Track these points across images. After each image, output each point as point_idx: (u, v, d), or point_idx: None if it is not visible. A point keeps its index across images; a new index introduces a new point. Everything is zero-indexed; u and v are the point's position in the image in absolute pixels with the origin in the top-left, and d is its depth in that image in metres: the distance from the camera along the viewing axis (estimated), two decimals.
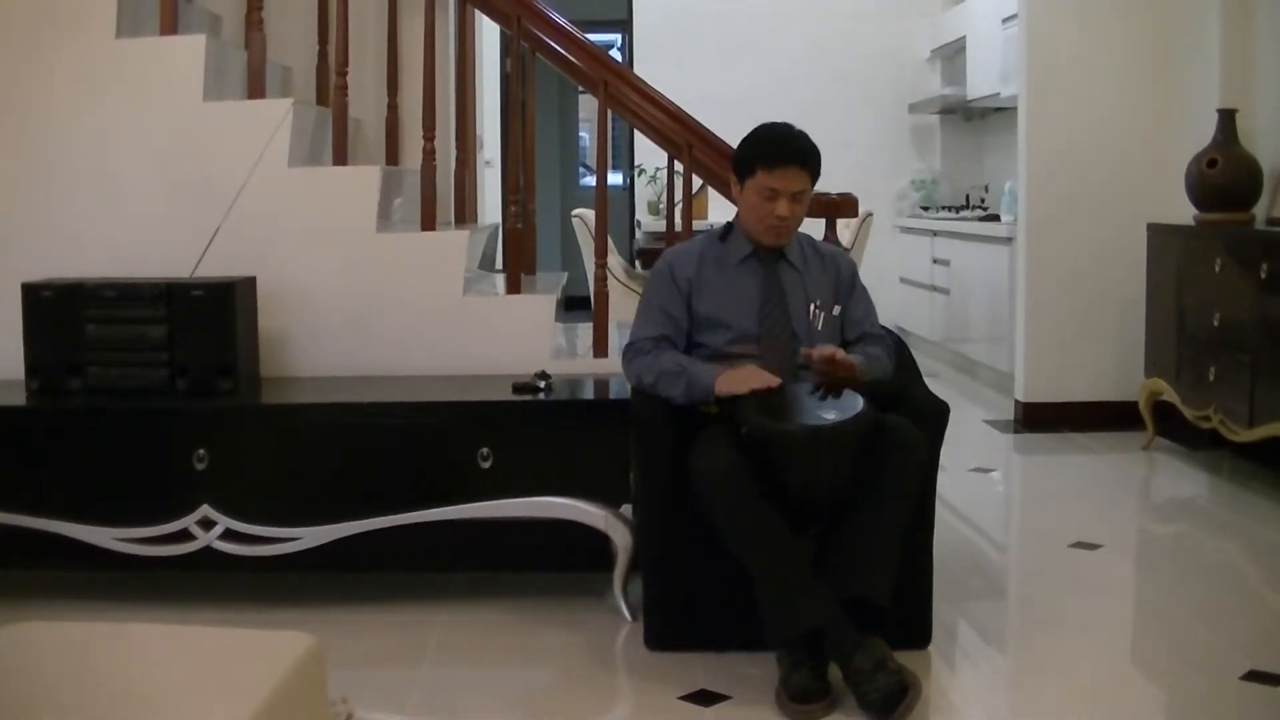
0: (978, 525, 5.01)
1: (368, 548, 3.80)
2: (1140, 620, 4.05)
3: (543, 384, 3.99)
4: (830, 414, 3.25)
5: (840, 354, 3.36)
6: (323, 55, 4.93)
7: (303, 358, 4.35)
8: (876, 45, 9.82)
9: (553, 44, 4.67)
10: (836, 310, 3.65)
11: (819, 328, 3.59)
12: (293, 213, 4.34)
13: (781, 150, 3.54)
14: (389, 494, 3.80)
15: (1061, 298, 6.49)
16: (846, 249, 4.58)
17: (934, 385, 3.80)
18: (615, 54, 11.35)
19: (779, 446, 3.22)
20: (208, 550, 3.80)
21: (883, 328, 3.79)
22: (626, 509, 3.80)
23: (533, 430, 3.88)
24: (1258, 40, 5.78)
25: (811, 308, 3.60)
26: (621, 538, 3.77)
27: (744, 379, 3.37)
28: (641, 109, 4.55)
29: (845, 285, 3.71)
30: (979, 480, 5.71)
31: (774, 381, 3.35)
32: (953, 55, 9.45)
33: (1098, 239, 6.43)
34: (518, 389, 3.97)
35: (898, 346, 3.80)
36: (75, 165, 4.32)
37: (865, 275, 3.90)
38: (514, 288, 4.53)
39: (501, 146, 8.67)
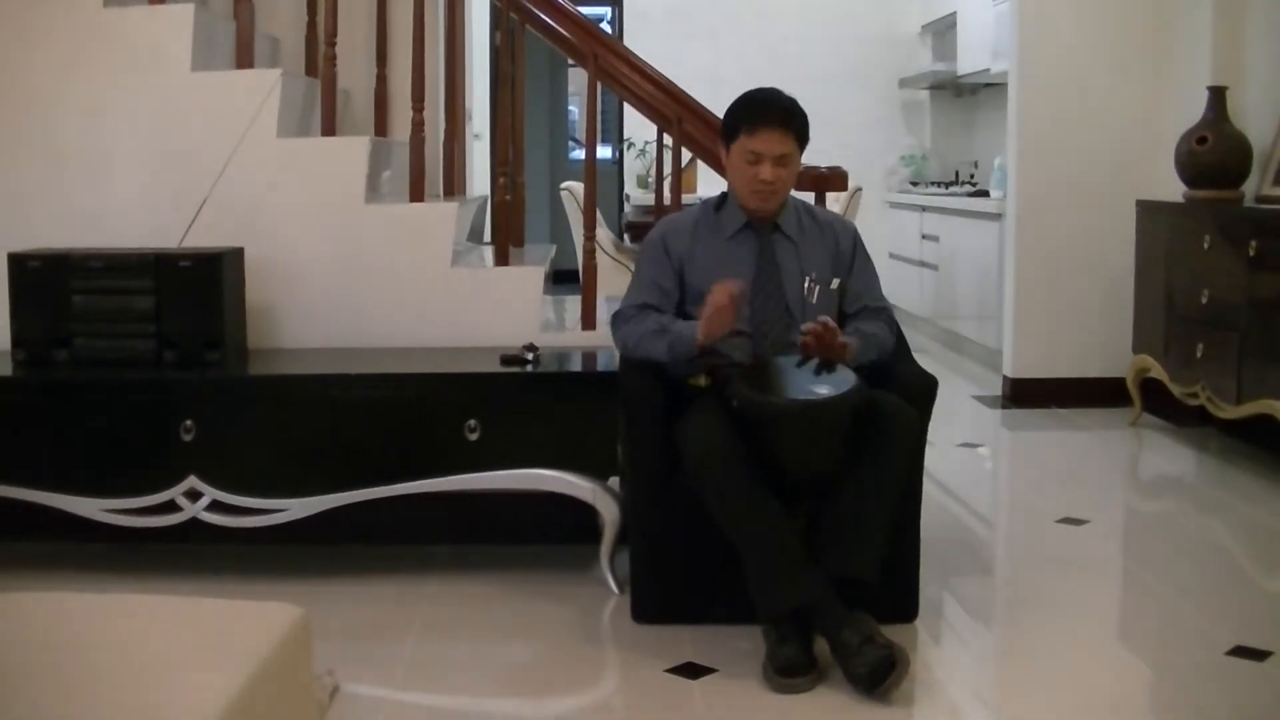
0: (965, 501, 5.02)
1: (355, 519, 3.80)
2: (1126, 596, 4.06)
3: (531, 356, 3.98)
4: (822, 388, 3.24)
5: (832, 326, 3.33)
6: (312, 26, 4.91)
7: (290, 329, 4.34)
8: (867, 20, 9.81)
9: (543, 16, 4.64)
10: (835, 284, 3.59)
11: (813, 301, 3.53)
12: (281, 184, 4.32)
13: (763, 112, 3.51)
14: (376, 466, 3.80)
15: (1050, 274, 6.49)
16: None
17: (922, 361, 3.79)
18: (605, 28, 11.30)
19: (770, 421, 3.21)
20: (194, 522, 3.80)
21: (884, 299, 3.75)
22: (614, 482, 3.80)
23: (521, 403, 3.87)
24: (1249, 18, 5.77)
25: (806, 282, 3.55)
26: (609, 510, 3.77)
27: (718, 317, 3.34)
28: (631, 82, 4.54)
29: (845, 257, 3.65)
30: (967, 456, 5.72)
31: (737, 287, 3.33)
32: (944, 31, 9.43)
33: (1087, 215, 6.43)
34: (506, 361, 3.96)
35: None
36: (62, 135, 4.29)
37: None
38: (502, 260, 4.52)
39: (491, 119, 8.65)
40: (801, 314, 3.52)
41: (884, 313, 3.68)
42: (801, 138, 3.54)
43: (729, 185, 3.64)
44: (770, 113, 3.51)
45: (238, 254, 4.14)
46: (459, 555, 4.06)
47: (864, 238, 3.77)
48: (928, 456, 3.56)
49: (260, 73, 4.41)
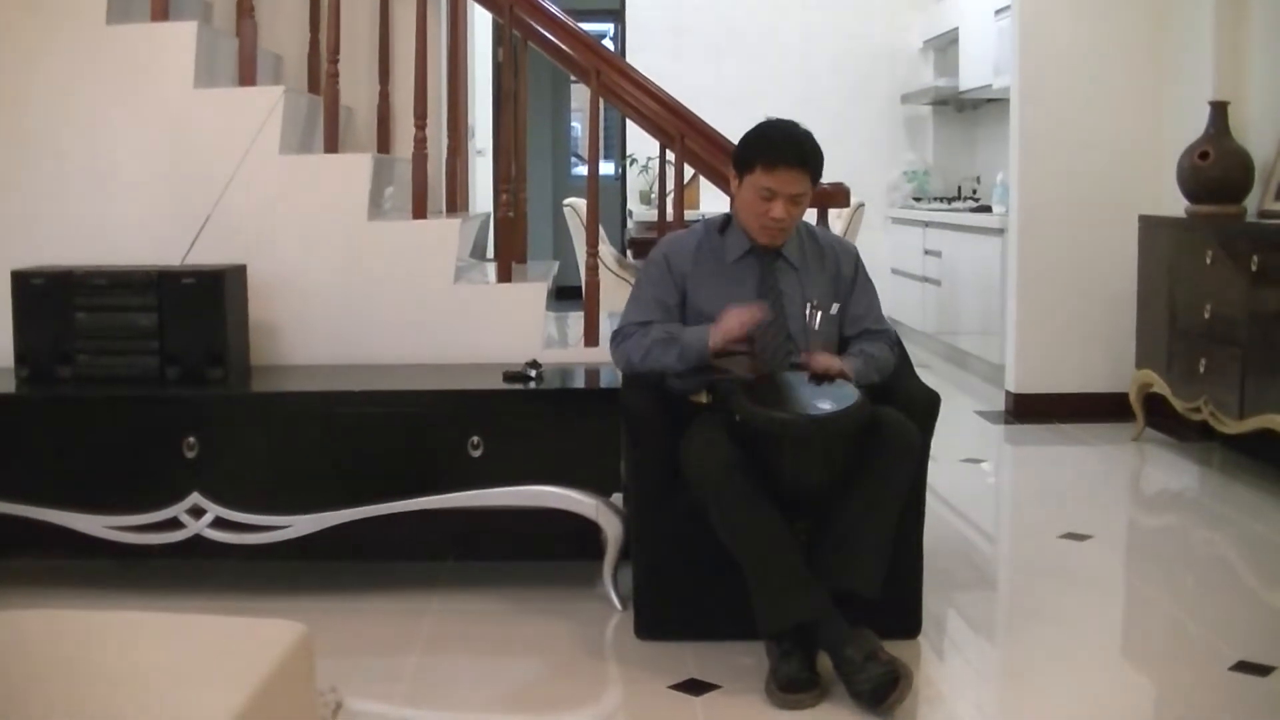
0: (968, 516, 5.01)
1: (358, 536, 3.80)
2: (1129, 611, 4.06)
3: (534, 373, 3.99)
4: (825, 404, 3.24)
5: (837, 368, 3.36)
6: (314, 43, 4.92)
7: (293, 346, 4.34)
8: (869, 36, 9.81)
9: (545, 32, 4.65)
10: (835, 309, 3.59)
11: (815, 327, 3.53)
12: (284, 201, 4.33)
13: (782, 151, 3.45)
14: (379, 482, 3.80)
15: (1053, 289, 6.50)
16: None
17: (925, 376, 3.79)
18: (608, 44, 11.33)
19: (772, 435, 3.21)
20: (198, 538, 3.80)
21: (885, 321, 3.75)
22: (617, 498, 3.80)
23: (524, 419, 3.87)
24: (1250, 32, 5.78)
25: (808, 307, 3.55)
26: (612, 527, 3.77)
27: (734, 322, 3.36)
28: (634, 98, 4.54)
29: (845, 281, 3.65)
30: (969, 471, 5.72)
31: (759, 315, 3.36)
32: (945, 46, 9.45)
33: (1089, 230, 6.43)
34: (509, 378, 3.97)
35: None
36: (65, 152, 4.30)
37: None
38: (505, 276, 4.52)
39: (493, 135, 8.67)
40: (803, 338, 3.52)
41: (885, 334, 3.68)
42: (816, 177, 3.53)
43: (736, 214, 3.61)
44: (789, 152, 3.45)
45: (240, 271, 4.15)
46: (462, 572, 4.05)
47: (866, 254, 3.77)
48: (930, 472, 3.55)
49: (263, 90, 4.42)
